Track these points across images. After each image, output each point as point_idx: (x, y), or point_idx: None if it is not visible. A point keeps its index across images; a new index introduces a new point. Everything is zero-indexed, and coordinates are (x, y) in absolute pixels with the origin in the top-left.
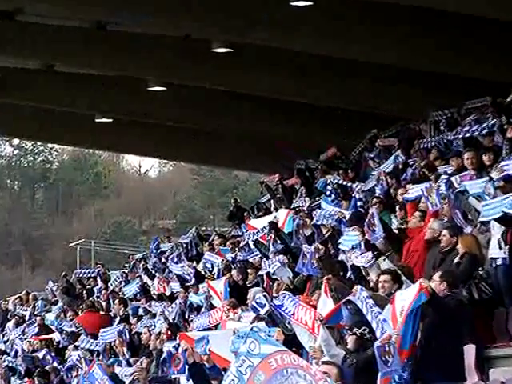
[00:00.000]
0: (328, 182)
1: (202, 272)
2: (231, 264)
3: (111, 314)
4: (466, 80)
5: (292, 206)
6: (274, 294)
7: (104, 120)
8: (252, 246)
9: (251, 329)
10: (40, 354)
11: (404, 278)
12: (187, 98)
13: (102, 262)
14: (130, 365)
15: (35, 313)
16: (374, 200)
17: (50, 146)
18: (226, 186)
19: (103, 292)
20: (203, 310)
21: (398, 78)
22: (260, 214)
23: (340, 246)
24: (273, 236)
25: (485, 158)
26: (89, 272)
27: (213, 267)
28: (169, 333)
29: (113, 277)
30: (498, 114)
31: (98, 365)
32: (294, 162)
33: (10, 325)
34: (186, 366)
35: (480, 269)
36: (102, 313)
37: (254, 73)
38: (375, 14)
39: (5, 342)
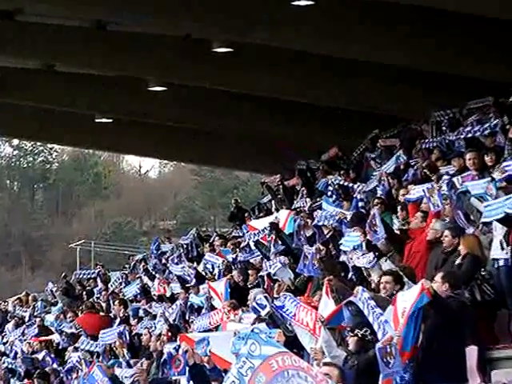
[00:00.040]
0: (329, 182)
1: (203, 273)
2: (232, 265)
3: (111, 315)
4: (466, 80)
5: (293, 207)
6: (275, 295)
7: (104, 120)
8: (253, 247)
9: (252, 330)
10: (40, 356)
11: (406, 279)
12: (187, 98)
13: (102, 263)
14: (130, 366)
15: (35, 314)
16: (376, 201)
17: (49, 146)
18: (227, 186)
19: (103, 293)
20: (204, 311)
21: (398, 78)
22: (261, 214)
23: (341, 247)
24: (274, 237)
25: (487, 158)
26: (89, 273)
27: (213, 268)
28: (169, 334)
29: (113, 278)
30: (500, 114)
31: (98, 366)
32: (294, 162)
33: (9, 326)
34: (187, 368)
35: (482, 270)
36: (102, 314)
37: (254, 73)
38: (375, 13)
39: (4, 344)
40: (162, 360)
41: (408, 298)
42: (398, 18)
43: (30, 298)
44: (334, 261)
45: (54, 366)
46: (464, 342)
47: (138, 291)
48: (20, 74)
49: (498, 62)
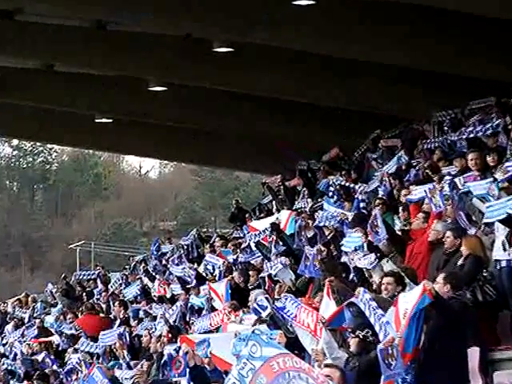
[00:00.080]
0: (330, 183)
1: (203, 274)
2: (233, 266)
3: (111, 316)
4: (467, 80)
5: (294, 208)
6: (276, 296)
7: (104, 120)
8: (254, 248)
9: (253, 331)
10: (39, 357)
11: (407, 280)
12: (187, 98)
13: (102, 264)
14: (130, 368)
15: (34, 315)
16: (377, 201)
17: (49, 146)
18: (228, 187)
19: (103, 294)
20: (204, 312)
21: (398, 78)
22: (262, 215)
23: (342, 248)
24: (275, 238)
25: (489, 158)
26: (89, 274)
27: (214, 269)
28: (169, 335)
29: (113, 279)
30: (502, 114)
31: (98, 368)
32: (294, 162)
33: (9, 327)
34: (187, 369)
35: (484, 271)
36: (101, 315)
37: (254, 73)
38: (375, 13)
39: (4, 345)
40: (162, 361)
41: (410, 299)
42: (398, 17)
43: (29, 299)
44: (335, 262)
45: (54, 367)
46: (466, 343)
47: (138, 292)
48: (20, 74)
49: (498, 62)
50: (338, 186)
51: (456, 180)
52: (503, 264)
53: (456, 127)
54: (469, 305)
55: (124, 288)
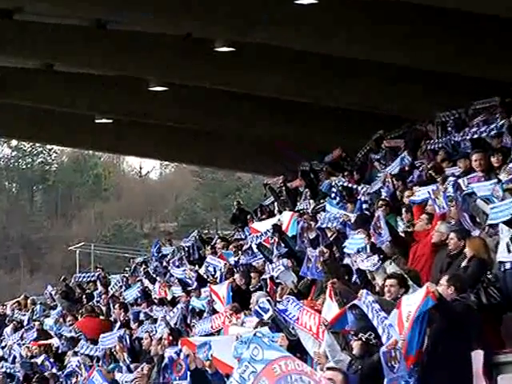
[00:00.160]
0: (333, 184)
1: (205, 276)
2: (234, 268)
3: (111, 318)
4: (467, 79)
5: (296, 209)
6: (278, 299)
7: (104, 121)
8: (255, 250)
9: (254, 334)
10: (39, 360)
11: (411, 283)
12: (187, 98)
13: (102, 266)
14: (130, 371)
15: (34, 318)
16: (380, 202)
17: (48, 147)
18: (229, 188)
19: (103, 296)
20: (205, 314)
21: (398, 78)
22: (263, 216)
23: (345, 250)
24: (276, 239)
25: (493, 159)
26: (88, 276)
27: (215, 271)
28: (170, 338)
29: (113, 281)
30: (506, 114)
31: (98, 371)
32: (294, 162)
33: (7, 330)
34: (188, 372)
35: (488, 273)
36: (101, 318)
37: (255, 73)
38: (375, 13)
39: (3, 348)
40: (162, 364)
41: (413, 301)
42: (398, 17)
43: (28, 301)
44: (337, 264)
45: (54, 370)
46: (470, 346)
47: (139, 294)
48: (20, 74)
49: (498, 61)
50: (340, 187)
51: (460, 181)
52: (507, 266)
53: (460, 128)
54: (473, 307)
55: (124, 290)
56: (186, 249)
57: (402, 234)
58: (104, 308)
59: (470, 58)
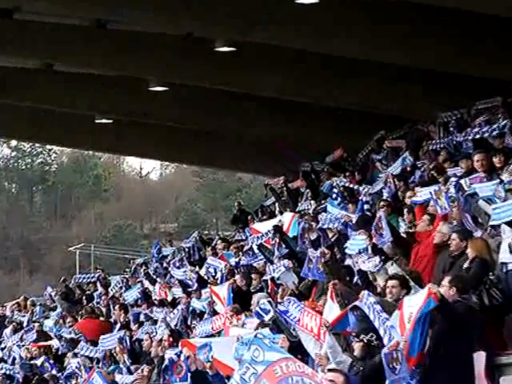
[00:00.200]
0: (334, 184)
1: (205, 277)
2: (235, 269)
3: (111, 320)
4: (467, 79)
5: (297, 210)
6: (279, 300)
7: (104, 121)
8: (256, 251)
9: (255, 335)
10: (38, 362)
11: (412, 284)
12: (187, 98)
13: (102, 267)
14: (130, 372)
15: (33, 319)
16: (382, 203)
17: (48, 147)
18: (230, 188)
19: (103, 297)
20: (206, 316)
21: (398, 78)
22: (264, 217)
23: (346, 251)
24: (277, 240)
25: (495, 159)
26: (88, 277)
27: (216, 272)
28: (171, 339)
29: (113, 282)
30: (508, 114)
31: (98, 372)
32: (294, 162)
33: (7, 331)
34: (189, 374)
35: (490, 274)
36: (101, 319)
37: (255, 72)
38: (375, 13)
39: (2, 349)
40: (163, 366)
41: (415, 302)
42: (398, 17)
43: (28, 302)
44: (338, 265)
45: (53, 372)
46: (472, 347)
47: (139, 296)
48: (20, 74)
49: (498, 61)
50: (341, 188)
51: (462, 181)
52: (510, 267)
53: (462, 128)
54: (475, 308)
55: (124, 291)
56: (187, 250)
57: (404, 235)
58: (104, 309)
59: (470, 57)
